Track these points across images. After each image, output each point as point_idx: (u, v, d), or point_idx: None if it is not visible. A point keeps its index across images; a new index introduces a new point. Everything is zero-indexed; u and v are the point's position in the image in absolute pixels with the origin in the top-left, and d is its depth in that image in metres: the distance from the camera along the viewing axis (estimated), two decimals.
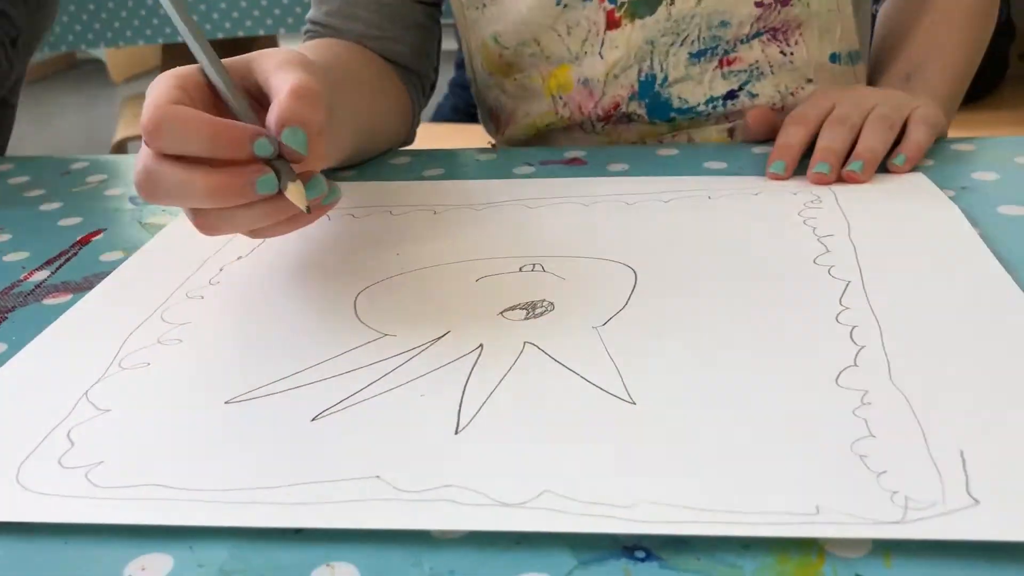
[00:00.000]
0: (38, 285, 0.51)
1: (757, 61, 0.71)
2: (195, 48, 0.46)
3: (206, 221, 0.44)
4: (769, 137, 0.72)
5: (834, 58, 0.72)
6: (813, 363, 0.39)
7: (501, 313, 0.44)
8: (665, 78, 0.71)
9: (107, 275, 0.52)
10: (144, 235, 0.57)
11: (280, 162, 0.43)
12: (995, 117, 1.54)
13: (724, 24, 0.70)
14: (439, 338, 0.42)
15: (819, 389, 0.37)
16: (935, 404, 0.35)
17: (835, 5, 0.70)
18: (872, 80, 0.75)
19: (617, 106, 0.72)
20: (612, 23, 0.70)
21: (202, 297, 0.48)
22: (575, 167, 0.65)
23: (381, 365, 0.41)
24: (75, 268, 0.53)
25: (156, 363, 0.42)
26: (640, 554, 0.30)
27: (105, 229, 0.59)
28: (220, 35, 2.00)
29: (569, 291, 0.46)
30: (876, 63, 0.76)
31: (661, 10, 0.69)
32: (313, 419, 0.37)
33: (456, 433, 0.36)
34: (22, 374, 0.42)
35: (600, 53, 0.71)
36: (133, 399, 0.40)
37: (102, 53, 2.67)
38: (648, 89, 0.72)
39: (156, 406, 0.39)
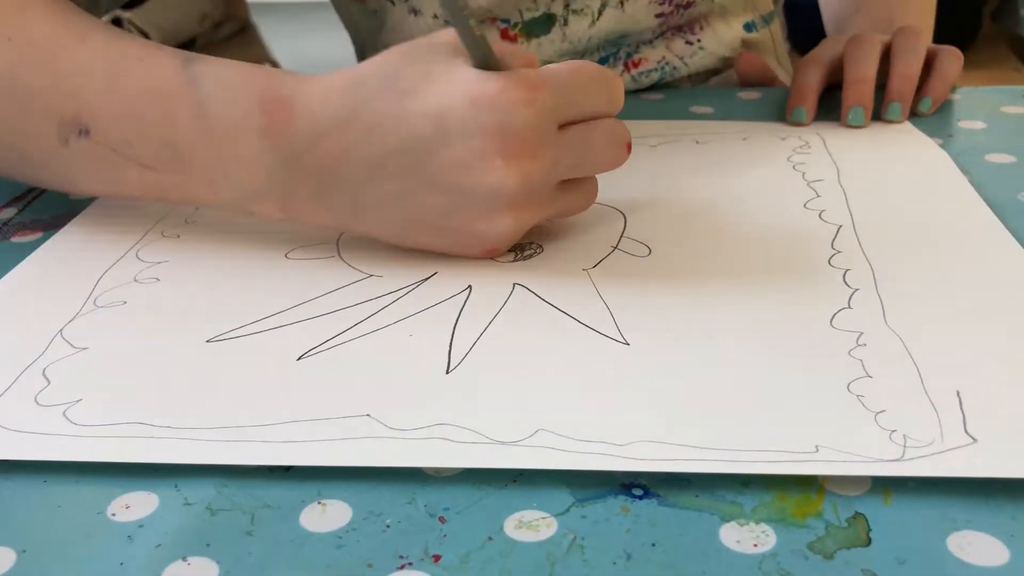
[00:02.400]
0: (5, 223, 0.50)
1: (664, 58, 0.68)
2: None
3: None
4: (760, 82, 0.71)
5: (749, 27, 0.70)
6: (807, 306, 0.38)
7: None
8: None
9: (77, 214, 0.50)
10: None
11: None
12: (968, 76, 1.59)
13: (623, 36, 0.68)
14: (426, 279, 0.42)
15: (814, 331, 0.36)
16: (931, 344, 0.35)
17: None
18: None
19: None
20: (508, 41, 0.66)
21: (178, 236, 0.47)
22: None
23: (368, 305, 0.40)
24: (44, 206, 0.51)
25: (133, 301, 0.41)
26: (638, 491, 0.29)
27: None
28: None
29: (558, 233, 0.45)
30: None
31: (556, 30, 0.66)
32: (299, 358, 0.36)
33: (447, 372, 0.35)
34: None
35: None
36: (110, 337, 0.38)
37: None
38: None
39: (134, 344, 0.38)
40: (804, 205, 0.47)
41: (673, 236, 0.45)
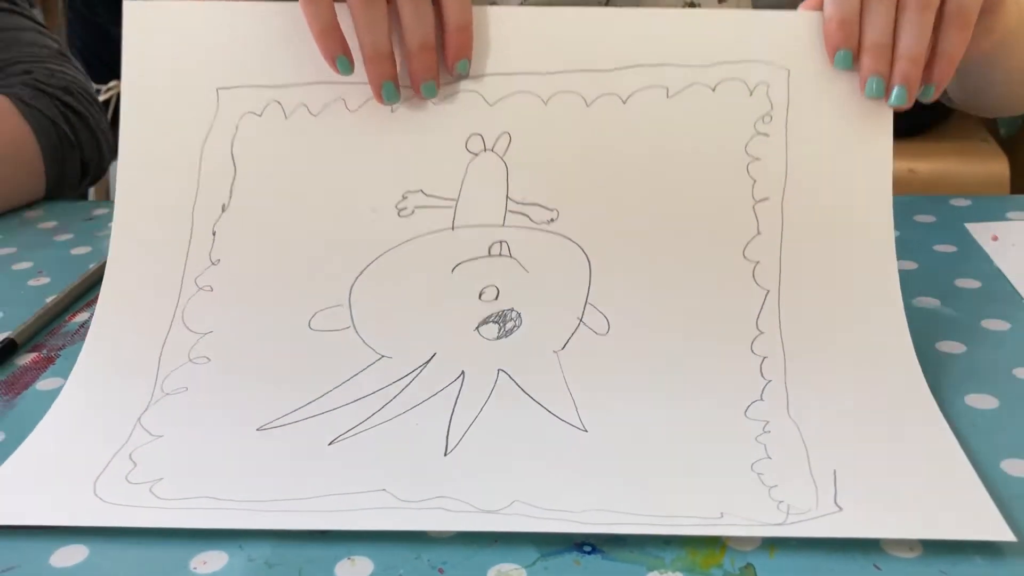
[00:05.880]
0: (82, 325, 0.60)
1: None
2: None
3: None
4: None
5: None
6: (729, 398, 0.48)
7: (477, 329, 0.53)
8: None
9: None
10: None
11: None
12: (939, 148, 1.52)
13: None
14: (427, 362, 0.51)
15: (732, 419, 0.47)
16: (820, 433, 0.45)
17: None
18: None
19: None
20: None
21: (211, 289, 0.55)
22: None
23: (382, 393, 0.50)
24: None
25: (192, 387, 0.51)
26: (588, 548, 0.39)
27: None
28: None
29: (533, 292, 0.53)
30: None
31: None
32: (330, 443, 0.46)
33: (445, 455, 0.45)
34: (77, 404, 0.51)
35: None
36: (179, 425, 0.48)
37: None
38: None
39: (200, 432, 0.48)
40: (743, 251, 0.54)
41: (640, 290, 0.52)
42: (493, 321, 0.53)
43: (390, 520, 0.41)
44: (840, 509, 0.40)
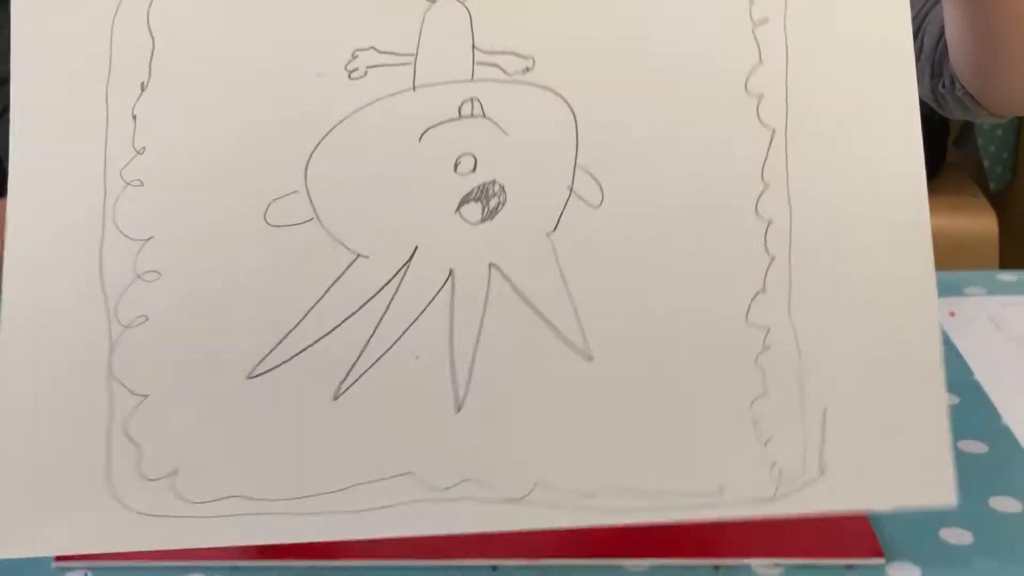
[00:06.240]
0: None
1: None
2: None
3: None
4: None
5: None
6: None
7: (458, 210, 0.48)
8: None
9: None
10: None
11: None
12: (933, 203, 1.31)
13: None
14: (410, 259, 0.47)
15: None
16: (817, 348, 0.45)
17: None
18: None
19: None
20: None
21: (141, 184, 0.47)
22: None
23: (369, 310, 0.46)
24: None
25: (152, 317, 0.46)
26: None
27: None
28: None
29: (514, 158, 0.48)
30: None
31: None
32: (335, 399, 0.46)
33: (458, 412, 0.45)
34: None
35: None
36: (158, 378, 0.46)
37: None
38: None
39: (185, 386, 0.45)
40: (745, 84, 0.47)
41: (629, 166, 0.47)
42: (475, 199, 0.48)
43: (426, 524, 0.44)
44: (822, 473, 0.45)
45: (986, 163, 1.74)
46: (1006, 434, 0.56)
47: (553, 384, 0.46)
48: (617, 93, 0.47)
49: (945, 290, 0.65)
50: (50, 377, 0.46)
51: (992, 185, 1.73)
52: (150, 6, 0.47)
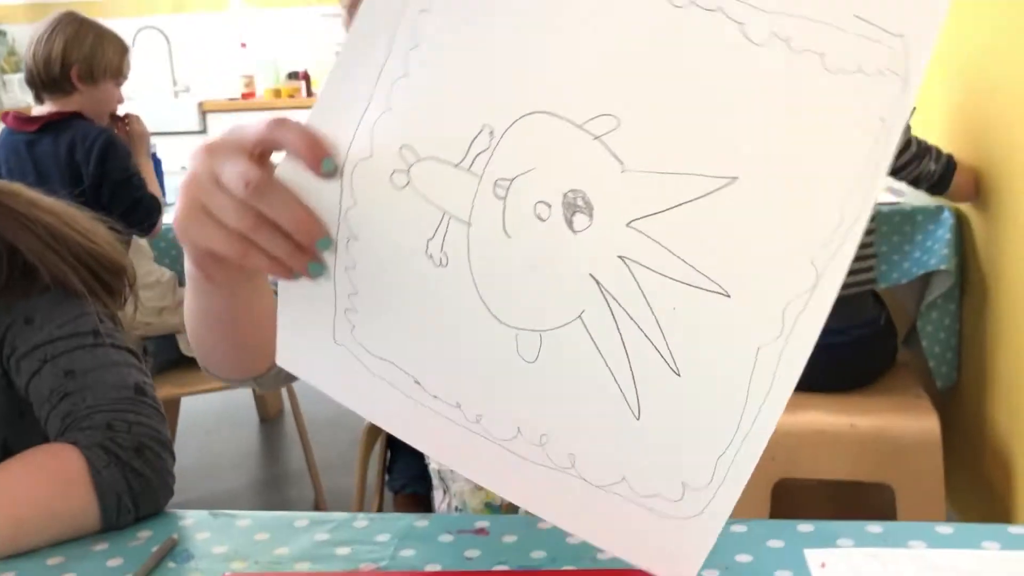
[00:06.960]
0: None
1: None
2: None
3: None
4: None
5: None
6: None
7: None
8: None
9: None
10: None
11: None
12: (875, 402, 1.56)
13: None
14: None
15: None
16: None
17: None
18: None
19: None
20: None
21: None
22: None
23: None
24: None
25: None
26: None
27: None
28: None
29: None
30: None
31: None
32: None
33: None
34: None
35: None
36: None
37: None
38: None
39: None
40: None
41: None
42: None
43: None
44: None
45: (931, 363, 1.79)
46: None
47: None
48: None
49: (825, 540, 0.64)
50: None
51: (939, 383, 1.79)
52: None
